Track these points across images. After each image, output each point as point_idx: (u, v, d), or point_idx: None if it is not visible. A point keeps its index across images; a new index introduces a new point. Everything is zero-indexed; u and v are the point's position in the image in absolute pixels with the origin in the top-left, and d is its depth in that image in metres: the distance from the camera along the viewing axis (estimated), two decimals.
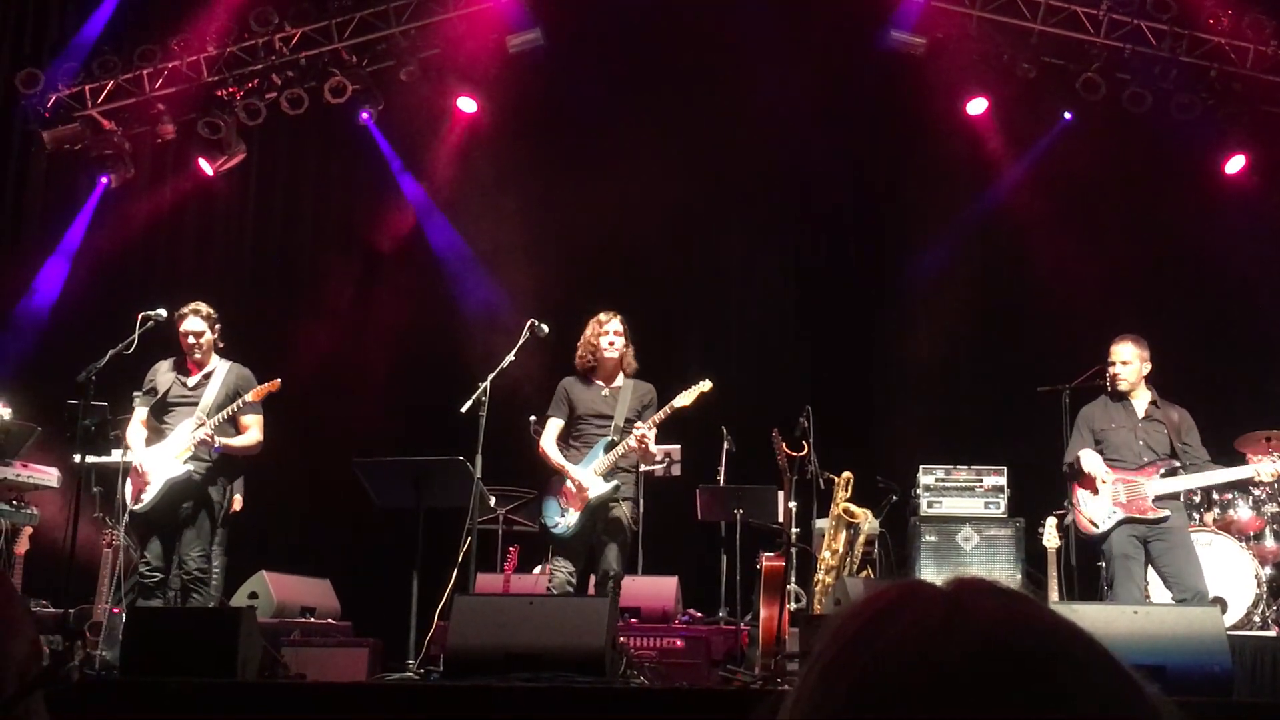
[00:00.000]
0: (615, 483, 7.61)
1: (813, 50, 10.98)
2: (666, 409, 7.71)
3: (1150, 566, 7.58)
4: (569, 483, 7.63)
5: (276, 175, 12.25)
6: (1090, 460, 7.56)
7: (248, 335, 10.94)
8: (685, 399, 7.75)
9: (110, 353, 7.75)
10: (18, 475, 9.07)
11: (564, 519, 7.58)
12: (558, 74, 11.43)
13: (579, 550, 7.68)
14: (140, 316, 7.85)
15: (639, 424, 7.67)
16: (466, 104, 11.62)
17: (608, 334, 7.84)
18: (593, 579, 7.70)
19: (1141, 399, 7.77)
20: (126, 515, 7.67)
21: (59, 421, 8.60)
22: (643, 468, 8.16)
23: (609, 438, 7.69)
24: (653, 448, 7.79)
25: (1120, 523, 7.46)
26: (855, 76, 11.28)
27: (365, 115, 11.31)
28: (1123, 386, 7.71)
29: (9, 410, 9.07)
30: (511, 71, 11.30)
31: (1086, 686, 0.84)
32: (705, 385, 7.79)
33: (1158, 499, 7.47)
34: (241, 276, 11.92)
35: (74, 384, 7.76)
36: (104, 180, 11.26)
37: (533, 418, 8.02)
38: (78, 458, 7.86)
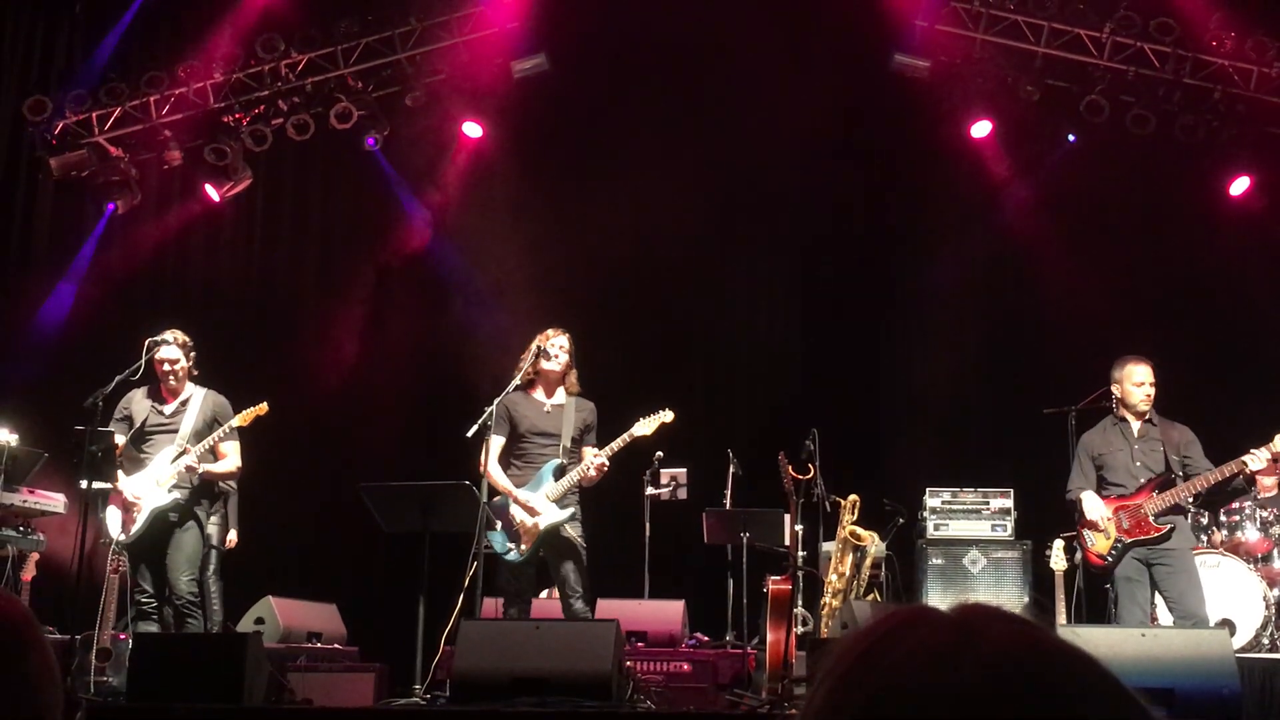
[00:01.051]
0: (571, 510, 7.48)
1: (817, 73, 11.00)
2: (626, 436, 7.53)
3: (1155, 589, 7.58)
4: (515, 509, 7.47)
5: (282, 201, 12.29)
6: (1091, 506, 7.61)
7: (253, 360, 10.99)
8: (646, 428, 7.59)
9: (117, 379, 7.75)
10: (24, 501, 9.07)
11: (515, 545, 7.45)
12: (563, 99, 11.48)
13: (531, 575, 7.60)
14: (147, 343, 7.85)
15: (593, 450, 7.56)
16: (472, 129, 11.65)
17: (553, 346, 7.64)
18: (552, 594, 7.60)
19: (1138, 420, 7.79)
20: (114, 543, 7.71)
21: (66, 447, 8.57)
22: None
23: (557, 461, 7.53)
24: (593, 470, 7.49)
25: (1127, 549, 7.49)
26: (860, 100, 11.30)
27: (371, 141, 11.35)
28: (1145, 408, 7.72)
29: (15, 436, 9.08)
30: (517, 96, 11.34)
31: (1098, 711, 0.84)
32: (667, 415, 7.62)
33: (1158, 516, 7.48)
34: (248, 302, 11.95)
35: (81, 410, 7.76)
36: (111, 207, 11.31)
37: (469, 434, 7.66)
38: (84, 483, 7.85)
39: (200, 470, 7.67)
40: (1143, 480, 7.60)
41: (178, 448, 7.67)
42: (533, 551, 7.42)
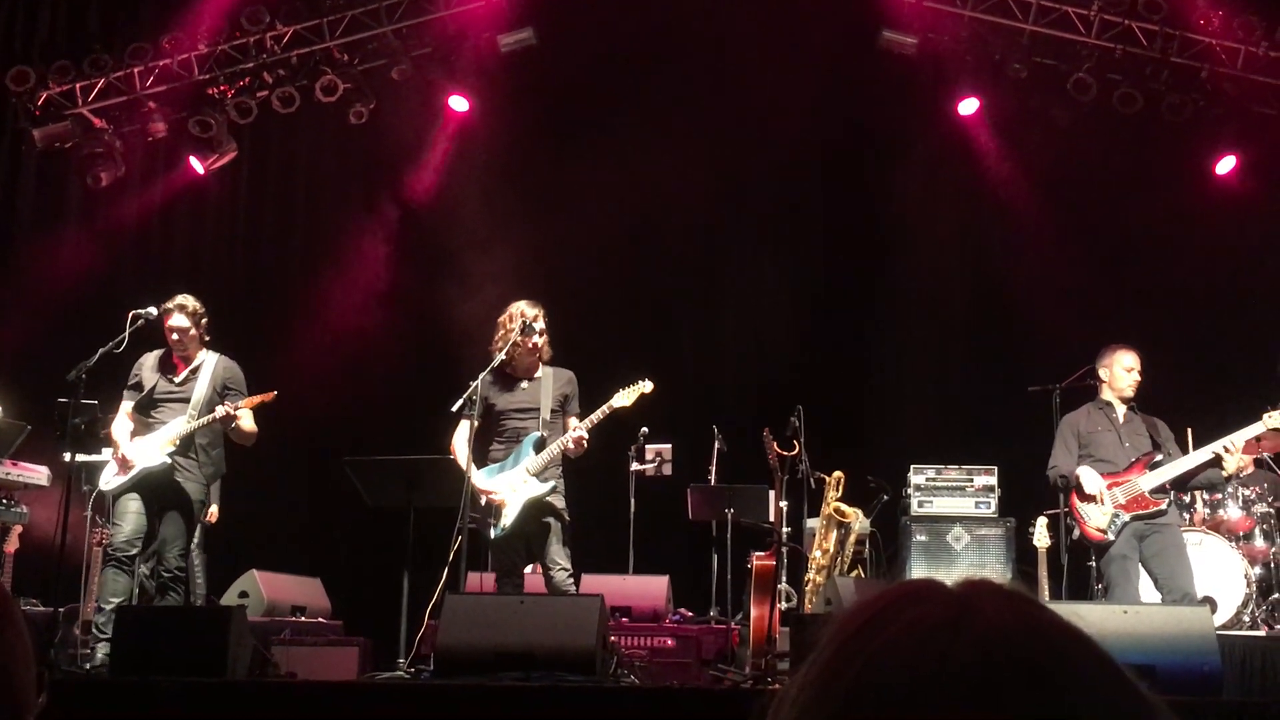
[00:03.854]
0: (552, 483, 7.43)
1: (805, 50, 10.98)
2: (606, 408, 7.47)
3: (1142, 565, 7.62)
4: (492, 484, 7.39)
5: (268, 174, 12.23)
6: (1089, 479, 7.62)
7: (239, 334, 10.94)
8: (625, 399, 7.52)
9: (100, 351, 7.72)
10: (7, 474, 9.05)
11: (498, 521, 7.36)
12: (550, 73, 11.43)
13: (519, 549, 7.54)
14: (131, 315, 7.80)
15: (574, 420, 7.51)
16: (458, 103, 11.60)
17: (530, 329, 7.49)
18: (537, 568, 7.58)
19: (1122, 406, 7.90)
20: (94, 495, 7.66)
21: (49, 420, 8.56)
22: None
23: (536, 433, 7.46)
24: (574, 437, 7.41)
25: (1126, 524, 7.54)
26: (848, 76, 11.27)
27: (357, 114, 11.29)
28: (1130, 394, 7.84)
29: None
30: (504, 70, 11.30)
31: (1093, 691, 0.84)
32: (646, 386, 7.55)
33: (1153, 492, 7.57)
34: (233, 275, 11.90)
35: (64, 382, 7.73)
36: (95, 178, 11.23)
37: (454, 409, 7.53)
38: (67, 456, 7.83)
39: (238, 418, 7.58)
40: (1132, 458, 7.68)
41: (188, 418, 7.60)
42: (516, 526, 7.38)
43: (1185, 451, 7.86)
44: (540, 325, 7.57)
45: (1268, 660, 7.44)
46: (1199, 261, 10.89)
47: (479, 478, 7.36)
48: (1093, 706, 0.83)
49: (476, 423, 7.47)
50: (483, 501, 7.38)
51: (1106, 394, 7.95)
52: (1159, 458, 7.64)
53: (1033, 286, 11.04)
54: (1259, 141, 10.81)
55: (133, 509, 7.54)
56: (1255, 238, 10.81)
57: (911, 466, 9.72)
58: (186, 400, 7.68)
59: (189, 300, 7.83)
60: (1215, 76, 10.64)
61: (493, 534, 7.42)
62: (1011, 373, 10.03)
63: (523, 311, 7.59)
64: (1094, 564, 7.88)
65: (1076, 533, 7.83)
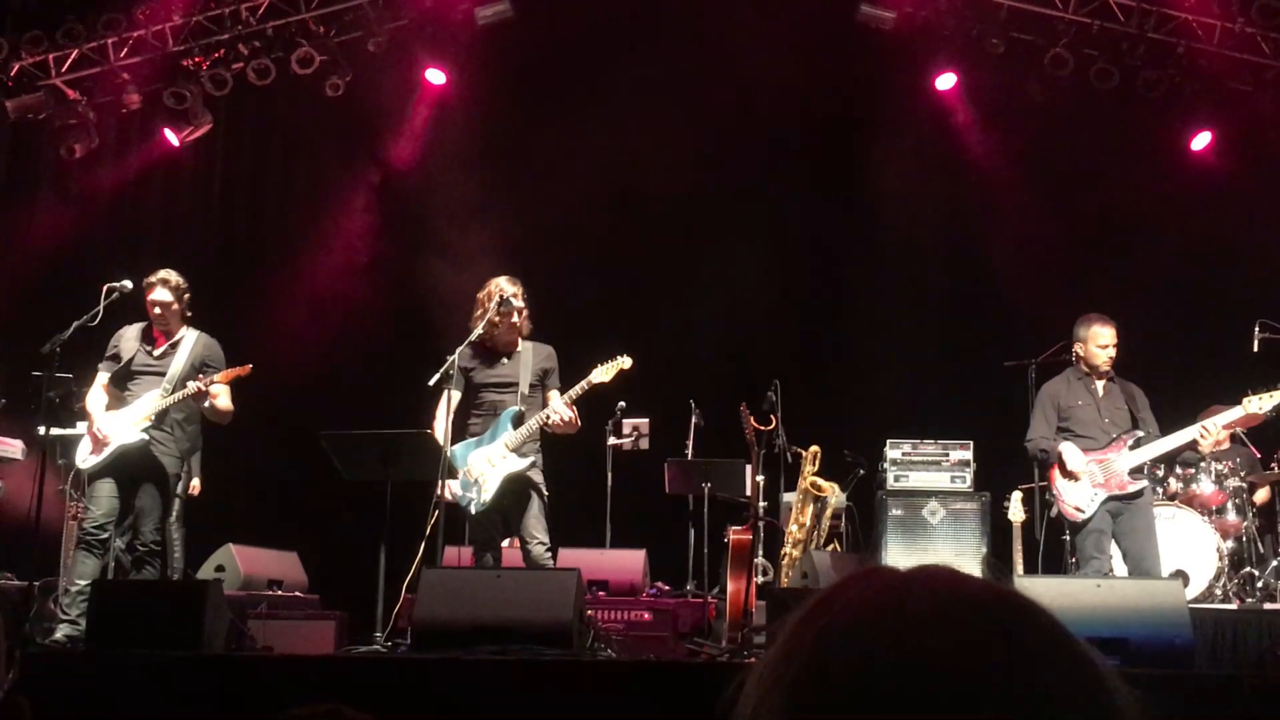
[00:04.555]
0: (531, 458, 7.42)
1: (783, 24, 10.95)
2: (585, 384, 7.44)
3: (1114, 539, 7.65)
4: (471, 459, 7.39)
5: (243, 146, 12.16)
6: (1072, 456, 7.58)
7: (214, 307, 10.89)
8: (604, 375, 7.47)
9: (75, 324, 7.68)
10: None
11: (477, 496, 7.37)
12: (527, 47, 11.38)
13: (497, 523, 7.53)
14: (105, 288, 7.76)
15: (554, 395, 7.49)
16: (435, 75, 11.56)
17: (509, 305, 7.48)
18: (514, 542, 7.57)
19: (1103, 377, 7.86)
20: (73, 473, 7.61)
21: (23, 393, 8.52)
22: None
23: (515, 408, 7.44)
24: (567, 414, 7.41)
25: (1102, 502, 7.53)
26: (825, 51, 11.25)
27: (333, 86, 11.22)
28: (1107, 368, 7.78)
29: None
30: (480, 43, 11.24)
31: (1036, 661, 0.87)
32: (625, 362, 7.51)
33: (1131, 472, 7.57)
34: (208, 248, 11.84)
35: (38, 355, 7.68)
36: (69, 150, 11.14)
37: (430, 383, 7.36)
38: (42, 430, 7.79)
39: (211, 394, 7.52)
40: (1114, 435, 7.67)
41: (164, 392, 7.56)
42: (495, 501, 7.38)
43: (1161, 423, 7.86)
44: (519, 302, 7.55)
45: (1239, 633, 7.51)
46: (1175, 237, 10.93)
47: (458, 452, 7.36)
48: (1037, 676, 0.86)
49: (457, 395, 7.46)
50: (459, 476, 7.38)
51: (1084, 365, 7.92)
52: (1140, 434, 7.63)
53: (1009, 261, 11.07)
54: (1234, 117, 10.85)
55: (105, 492, 7.47)
56: (1231, 213, 10.86)
57: (887, 441, 9.75)
58: (163, 374, 7.63)
59: (172, 275, 7.77)
60: (1191, 52, 10.67)
61: (472, 509, 7.42)
62: (987, 348, 10.07)
63: (500, 288, 7.55)
64: (1068, 538, 7.91)
65: (1055, 510, 7.86)
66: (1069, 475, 7.58)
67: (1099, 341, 7.78)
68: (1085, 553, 7.55)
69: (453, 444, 7.35)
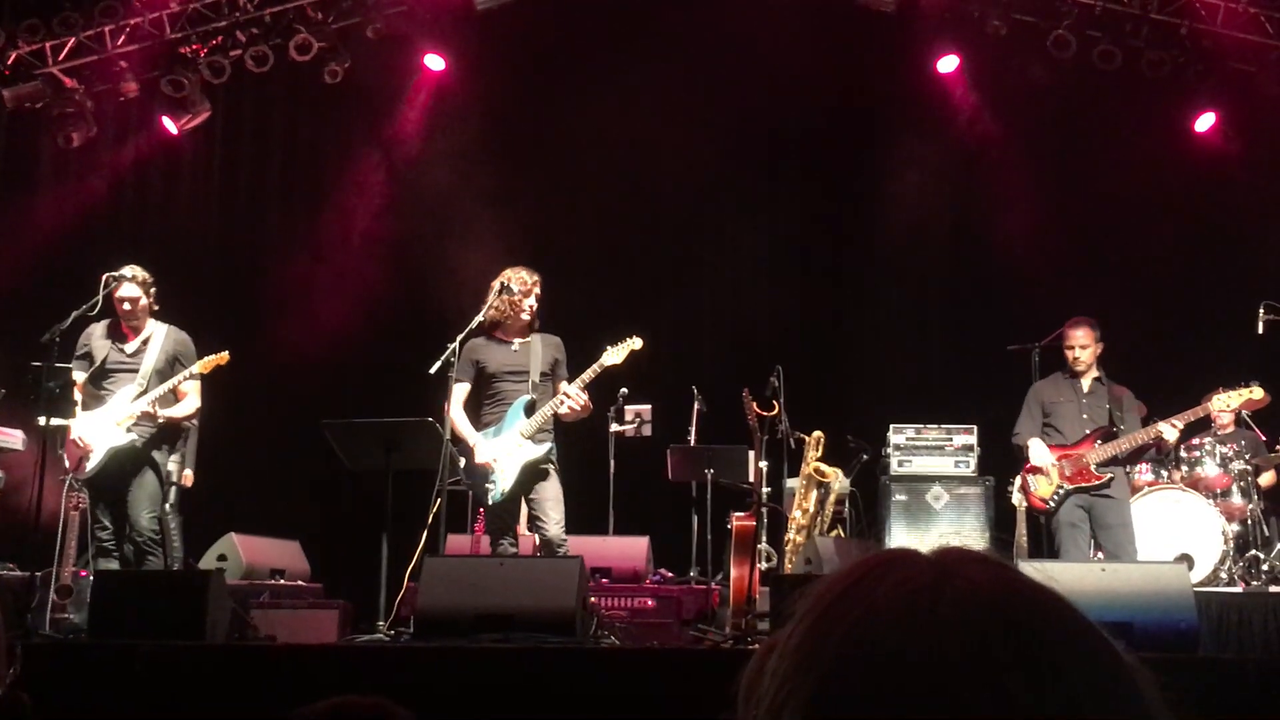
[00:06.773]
0: (548, 446, 7.40)
1: (784, 8, 10.90)
2: (597, 367, 7.41)
3: (1092, 535, 7.89)
4: (487, 450, 7.37)
5: (242, 135, 12.12)
6: (1037, 452, 7.91)
7: (214, 296, 10.88)
8: (616, 356, 7.46)
9: (74, 314, 7.66)
10: None
11: (494, 486, 7.35)
12: (526, 31, 11.33)
13: (515, 512, 7.56)
14: (104, 277, 7.74)
15: (566, 384, 7.47)
16: (434, 61, 11.51)
17: (530, 295, 7.51)
18: (536, 538, 7.58)
19: (1089, 376, 8.08)
20: (69, 480, 7.65)
21: (23, 383, 8.49)
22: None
23: (527, 396, 7.42)
24: (581, 399, 7.38)
25: (1068, 495, 7.80)
26: (827, 35, 11.19)
27: (332, 73, 11.17)
28: (1080, 368, 8.05)
29: None
30: (479, 29, 11.19)
31: (1072, 647, 0.85)
32: (636, 343, 7.48)
33: (1099, 465, 7.79)
34: (207, 236, 11.81)
35: (38, 345, 7.67)
36: (66, 139, 11.10)
37: (431, 371, 7.33)
38: (42, 420, 7.77)
39: (160, 416, 7.58)
40: (1086, 432, 7.90)
41: (138, 387, 7.57)
42: (515, 489, 7.36)
43: (1166, 404, 8.02)
44: (518, 288, 7.50)
45: (1244, 616, 7.51)
46: (1178, 218, 10.90)
47: (484, 441, 7.36)
48: (1074, 661, 0.84)
49: (468, 386, 7.49)
50: (488, 469, 7.35)
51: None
52: (1111, 430, 7.86)
53: (1012, 245, 11.03)
54: (1238, 98, 10.79)
55: (106, 496, 7.60)
56: (1235, 194, 10.82)
57: (891, 426, 9.73)
58: (136, 370, 7.65)
59: (138, 270, 7.77)
60: (1195, 33, 10.61)
61: (489, 499, 7.40)
62: (991, 332, 10.03)
63: (521, 277, 7.55)
64: (1053, 531, 7.99)
65: (1023, 503, 8.16)
66: (1035, 470, 7.90)
67: (1066, 343, 8.11)
68: (1060, 543, 7.82)
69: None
